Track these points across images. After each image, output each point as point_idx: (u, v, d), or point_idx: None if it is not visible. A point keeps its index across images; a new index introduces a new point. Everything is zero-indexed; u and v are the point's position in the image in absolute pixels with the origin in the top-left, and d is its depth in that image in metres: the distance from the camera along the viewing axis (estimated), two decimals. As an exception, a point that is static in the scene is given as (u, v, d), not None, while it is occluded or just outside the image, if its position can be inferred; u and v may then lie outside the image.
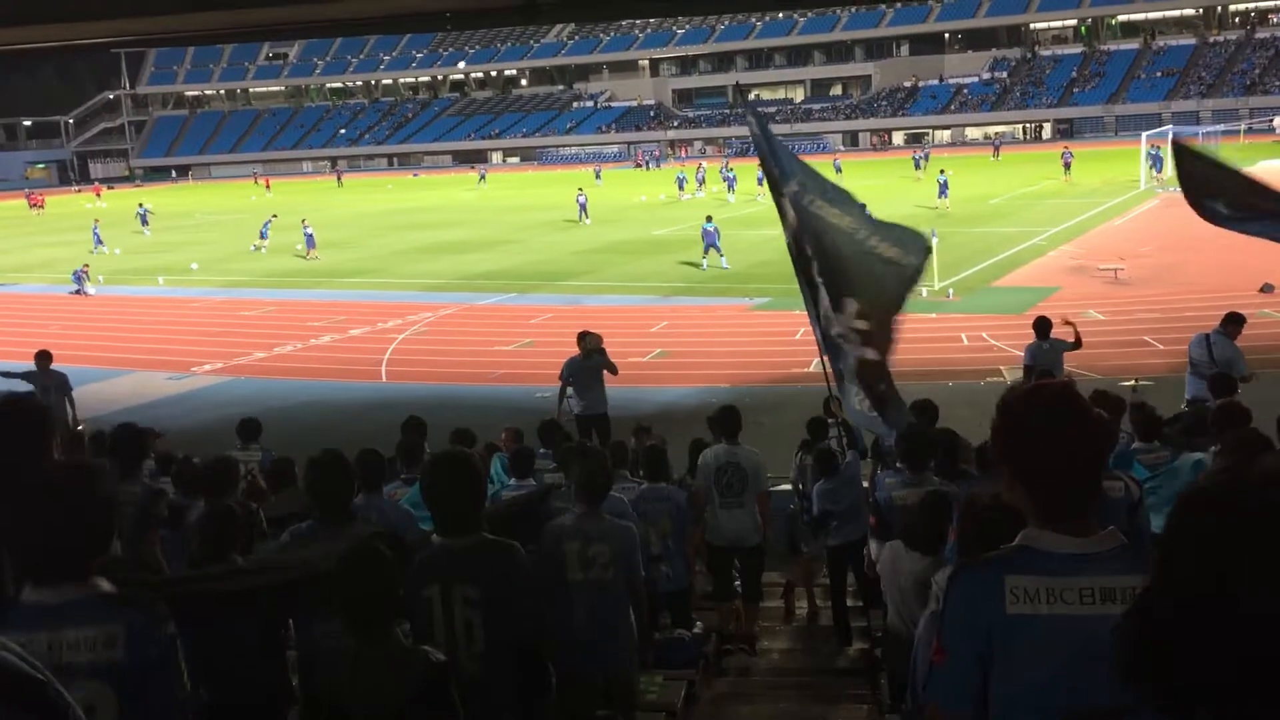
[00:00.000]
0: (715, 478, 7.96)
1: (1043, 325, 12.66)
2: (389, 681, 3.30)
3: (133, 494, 5.54)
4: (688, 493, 7.88)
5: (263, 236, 41.77)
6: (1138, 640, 1.54)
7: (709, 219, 31.61)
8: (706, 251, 30.95)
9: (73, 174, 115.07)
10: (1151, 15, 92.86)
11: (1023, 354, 13.12)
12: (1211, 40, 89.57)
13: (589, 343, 13.64)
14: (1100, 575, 2.25)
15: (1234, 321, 11.29)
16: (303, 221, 40.26)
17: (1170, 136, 37.90)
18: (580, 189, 47.52)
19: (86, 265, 34.84)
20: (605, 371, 13.62)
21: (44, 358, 14.67)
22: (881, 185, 51.98)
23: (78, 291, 33.41)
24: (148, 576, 4.65)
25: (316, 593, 3.82)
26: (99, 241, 43.54)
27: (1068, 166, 49.35)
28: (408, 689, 3.29)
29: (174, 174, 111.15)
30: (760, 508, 8.12)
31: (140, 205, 53.60)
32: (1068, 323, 12.87)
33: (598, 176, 69.19)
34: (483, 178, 73.66)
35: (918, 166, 58.92)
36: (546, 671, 4.09)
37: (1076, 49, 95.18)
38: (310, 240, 38.98)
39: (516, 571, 3.99)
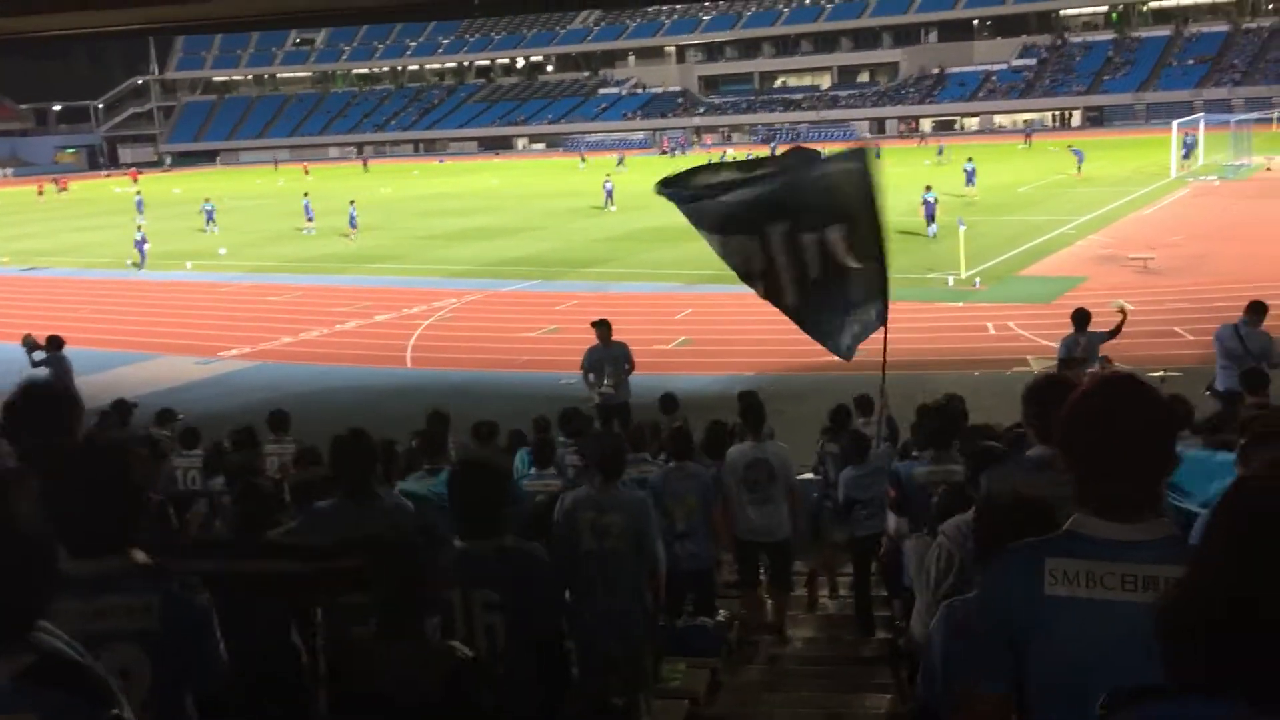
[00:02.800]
0: (744, 474, 7.94)
1: (1081, 317, 12.39)
2: (417, 676, 3.33)
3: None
4: (715, 472, 7.87)
5: (310, 219, 42.89)
6: (1175, 623, 1.58)
7: (928, 189, 32.68)
8: None
9: (102, 159, 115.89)
10: (1184, 2, 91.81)
11: (1057, 347, 12.95)
12: (1244, 27, 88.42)
13: (605, 330, 13.74)
14: (1144, 563, 2.24)
15: (1259, 310, 11.14)
16: (350, 203, 41.56)
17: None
18: (608, 175, 47.51)
19: (140, 226, 36.72)
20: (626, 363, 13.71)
21: (53, 343, 14.80)
22: (906, 172, 51.64)
23: (137, 263, 34.87)
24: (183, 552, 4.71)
25: (346, 582, 3.85)
26: (210, 220, 44.31)
27: (1079, 163, 48.41)
28: (435, 685, 3.31)
29: (168, 161, 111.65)
30: (792, 503, 8.09)
31: (136, 193, 54.38)
32: (1121, 311, 12.67)
33: (620, 163, 68.94)
34: (621, 161, 71.34)
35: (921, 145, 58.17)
36: (567, 655, 4.12)
37: (1107, 35, 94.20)
38: (353, 221, 40.29)
39: (537, 574, 4.04)
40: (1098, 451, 2.31)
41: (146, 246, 35.56)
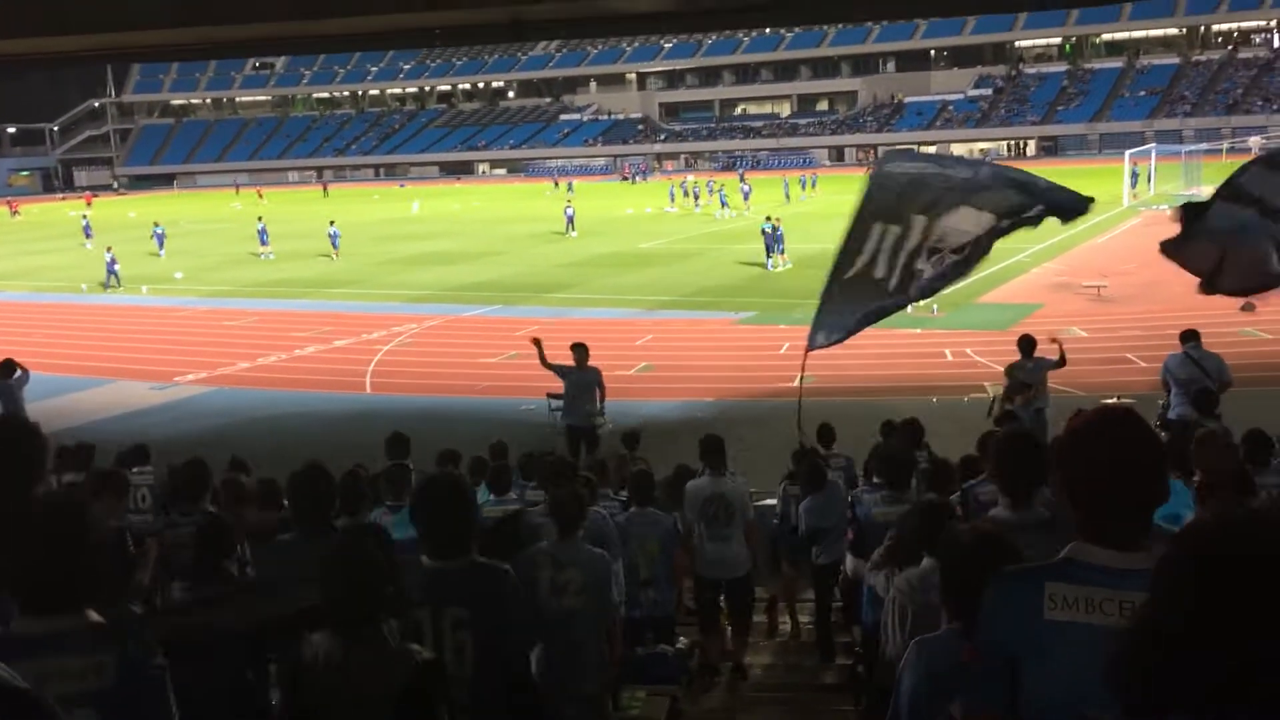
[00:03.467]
0: (702, 509, 7.92)
1: (1027, 344, 12.68)
2: (375, 681, 3.29)
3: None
4: (675, 518, 7.85)
5: (264, 243, 42.83)
6: (1131, 657, 1.62)
7: (767, 219, 33.01)
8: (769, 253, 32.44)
9: (57, 182, 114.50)
10: (1135, 34, 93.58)
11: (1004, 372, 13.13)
12: (1194, 60, 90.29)
13: (582, 354, 13.83)
14: (1142, 591, 2.27)
15: (1197, 336, 11.51)
16: (330, 223, 42.23)
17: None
18: (569, 201, 47.62)
19: (110, 248, 37.42)
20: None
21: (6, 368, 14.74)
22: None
23: (104, 284, 35.54)
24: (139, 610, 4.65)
25: (306, 622, 3.82)
26: (160, 244, 44.28)
27: None
28: (394, 688, 3.29)
29: (116, 185, 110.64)
30: (750, 538, 8.08)
31: (84, 216, 53.66)
32: (1054, 340, 12.90)
33: (569, 188, 69.28)
34: (570, 186, 71.13)
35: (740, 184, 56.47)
36: (534, 690, 4.10)
37: (1061, 67, 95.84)
38: (334, 241, 41.16)
39: (506, 593, 4.01)
40: (1097, 482, 2.36)
41: (117, 267, 35.90)
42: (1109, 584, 2.30)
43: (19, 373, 15.04)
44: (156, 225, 45.99)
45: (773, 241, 32.00)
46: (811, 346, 7.43)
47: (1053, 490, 2.52)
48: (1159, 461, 2.42)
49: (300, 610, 3.93)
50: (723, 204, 52.28)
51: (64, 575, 2.73)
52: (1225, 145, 63.25)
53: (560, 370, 13.86)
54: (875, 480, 7.53)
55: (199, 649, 3.95)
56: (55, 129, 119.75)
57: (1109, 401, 12.01)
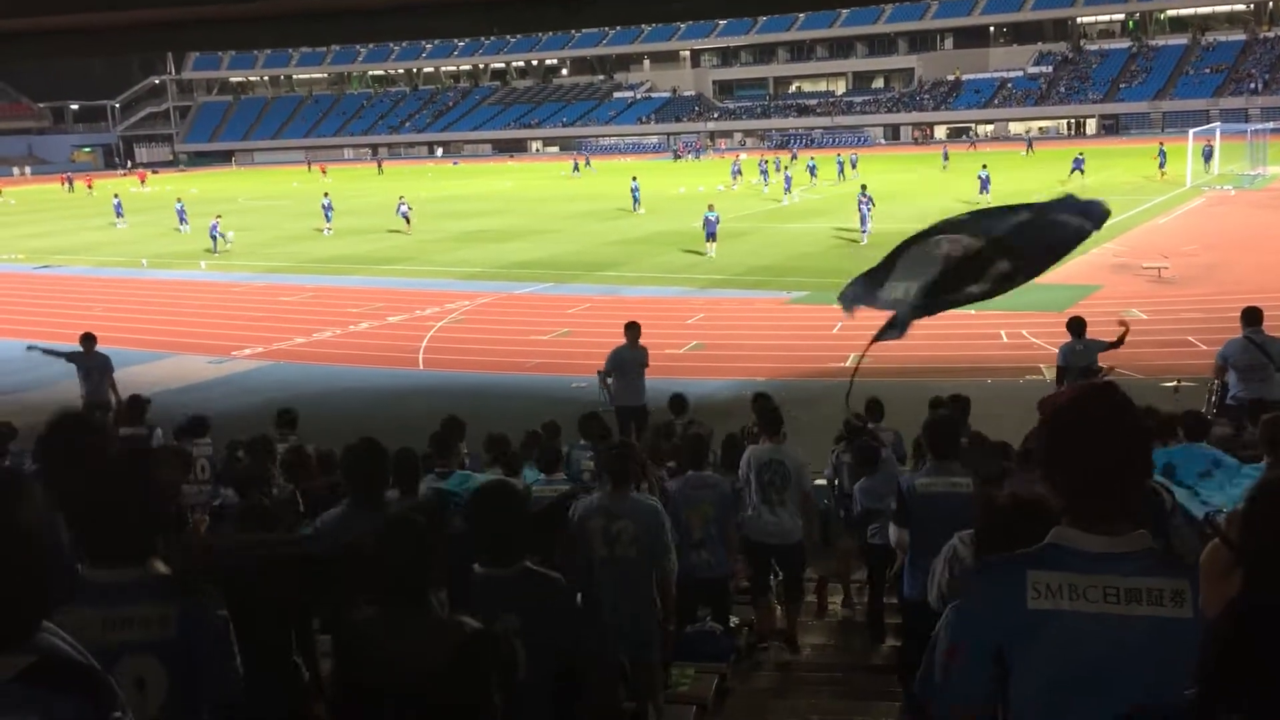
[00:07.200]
0: (758, 475, 7.91)
1: (1077, 325, 12.41)
2: (423, 650, 3.32)
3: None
4: (732, 481, 7.85)
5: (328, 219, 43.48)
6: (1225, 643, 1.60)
7: (710, 208, 32.35)
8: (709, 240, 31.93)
9: (118, 158, 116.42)
10: (1201, 10, 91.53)
11: (1057, 354, 12.89)
12: (1262, 36, 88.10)
13: (635, 333, 13.83)
14: (1126, 575, 2.24)
15: (1259, 318, 10.91)
16: (400, 199, 43.76)
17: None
18: (634, 177, 47.39)
19: (219, 216, 39.55)
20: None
21: (88, 340, 14.87)
22: (916, 179, 51.71)
23: (213, 248, 37.57)
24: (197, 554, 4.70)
25: (354, 574, 3.85)
26: (183, 221, 44.94)
27: (1078, 169, 46.91)
28: (442, 659, 3.31)
29: (183, 161, 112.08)
30: (805, 508, 8.05)
31: (115, 195, 54.32)
32: (1122, 323, 12.56)
33: (588, 164, 69.78)
34: (588, 163, 73.24)
35: (841, 170, 55.59)
36: (577, 670, 4.12)
37: (1123, 43, 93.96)
38: (405, 217, 42.15)
39: (558, 601, 4.05)
40: (1078, 464, 2.31)
41: (225, 234, 38.03)
42: (1093, 569, 2.26)
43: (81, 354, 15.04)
44: (178, 201, 46.77)
45: (713, 228, 31.64)
46: (845, 304, 7.96)
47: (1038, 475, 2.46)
48: (1141, 440, 2.36)
49: (349, 547, 3.96)
50: (765, 181, 52.59)
51: (132, 527, 2.78)
52: (1294, 124, 61.72)
53: (614, 363, 13.89)
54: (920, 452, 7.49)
55: (245, 615, 3.99)
56: (117, 106, 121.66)
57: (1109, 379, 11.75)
